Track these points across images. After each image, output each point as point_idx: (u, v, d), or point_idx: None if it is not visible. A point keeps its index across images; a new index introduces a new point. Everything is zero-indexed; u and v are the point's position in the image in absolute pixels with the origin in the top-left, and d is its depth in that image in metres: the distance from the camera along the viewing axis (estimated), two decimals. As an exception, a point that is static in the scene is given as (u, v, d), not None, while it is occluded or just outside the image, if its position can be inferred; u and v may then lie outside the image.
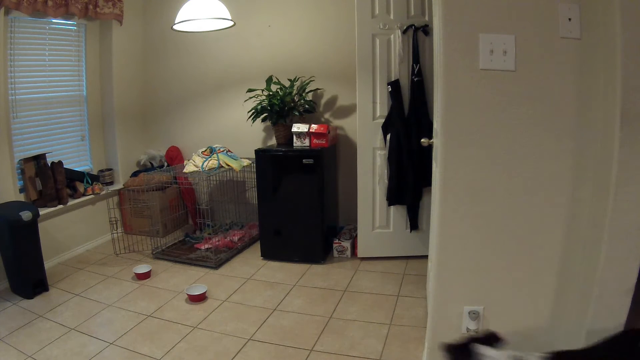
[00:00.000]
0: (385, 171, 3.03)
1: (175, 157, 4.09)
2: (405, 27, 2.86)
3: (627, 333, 1.30)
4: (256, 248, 3.47)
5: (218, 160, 3.37)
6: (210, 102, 3.99)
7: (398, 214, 3.13)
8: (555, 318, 1.50)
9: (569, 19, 1.34)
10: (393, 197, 3.02)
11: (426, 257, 2.85)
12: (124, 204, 3.90)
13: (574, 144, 1.39)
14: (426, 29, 2.86)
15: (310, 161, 3.10)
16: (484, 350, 1.21)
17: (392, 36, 2.91)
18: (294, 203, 3.18)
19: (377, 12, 2.90)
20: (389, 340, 2.21)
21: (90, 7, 3.35)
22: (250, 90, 3.46)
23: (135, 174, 4.00)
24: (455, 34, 1.39)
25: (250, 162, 3.53)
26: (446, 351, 1.30)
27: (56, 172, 3.28)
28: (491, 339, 1.30)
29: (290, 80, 3.45)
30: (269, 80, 3.43)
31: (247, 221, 3.90)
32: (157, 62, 4.11)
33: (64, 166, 3.39)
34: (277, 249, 3.30)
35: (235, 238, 3.55)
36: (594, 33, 1.33)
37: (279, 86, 3.41)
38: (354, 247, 3.30)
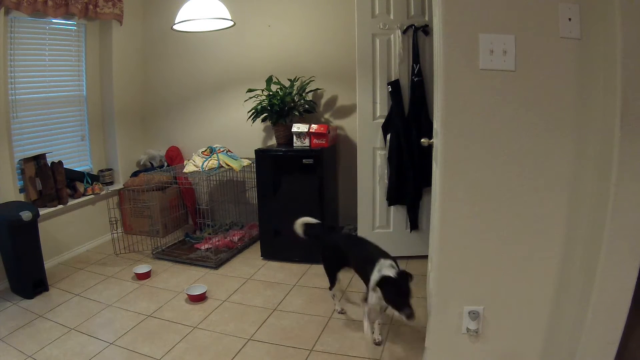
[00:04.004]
0: (385, 171, 3.03)
1: (175, 157, 4.09)
2: (405, 27, 2.86)
3: None
4: (256, 248, 3.47)
5: (218, 160, 3.37)
6: (211, 102, 3.98)
7: (398, 214, 3.13)
8: (555, 317, 1.50)
9: (569, 19, 1.33)
10: (393, 197, 3.02)
11: (426, 257, 2.85)
12: (124, 204, 3.90)
13: (573, 143, 1.39)
14: (426, 29, 2.86)
15: (310, 161, 3.10)
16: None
17: (392, 36, 2.91)
18: (294, 203, 3.18)
19: (377, 12, 2.90)
20: (389, 340, 2.21)
21: (90, 7, 3.35)
22: (250, 90, 3.46)
23: (135, 174, 4.00)
24: (455, 34, 1.39)
25: (250, 162, 3.53)
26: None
27: (56, 172, 3.28)
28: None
29: (290, 80, 3.45)
30: (269, 80, 3.43)
31: (247, 221, 3.90)
32: (157, 62, 4.11)
33: (64, 166, 3.39)
34: (277, 249, 3.30)
35: (235, 238, 3.55)
36: (594, 33, 1.33)
37: (279, 86, 3.41)
38: (354, 247, 3.29)
